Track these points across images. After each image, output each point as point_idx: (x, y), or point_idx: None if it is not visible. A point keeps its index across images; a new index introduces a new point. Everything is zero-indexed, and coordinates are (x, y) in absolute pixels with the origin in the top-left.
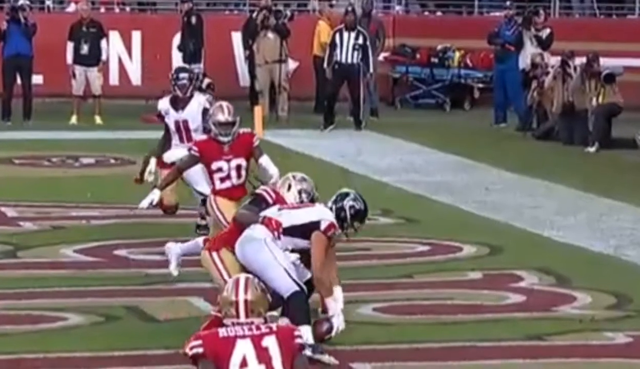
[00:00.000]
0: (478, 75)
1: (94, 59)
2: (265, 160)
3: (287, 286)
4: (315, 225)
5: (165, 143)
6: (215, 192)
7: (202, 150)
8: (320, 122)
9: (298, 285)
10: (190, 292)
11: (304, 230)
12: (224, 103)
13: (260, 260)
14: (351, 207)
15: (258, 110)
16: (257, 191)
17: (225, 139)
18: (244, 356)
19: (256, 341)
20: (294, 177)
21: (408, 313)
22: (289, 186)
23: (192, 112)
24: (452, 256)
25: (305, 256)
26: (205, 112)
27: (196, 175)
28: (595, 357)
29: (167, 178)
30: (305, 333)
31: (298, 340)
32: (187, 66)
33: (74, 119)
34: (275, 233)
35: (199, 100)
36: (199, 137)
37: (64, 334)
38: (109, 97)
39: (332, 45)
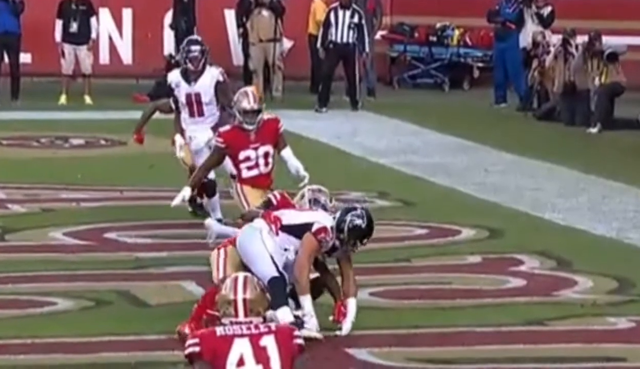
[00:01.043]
0: (478, 54)
1: (83, 37)
2: (287, 153)
3: (268, 272)
4: (309, 227)
5: (178, 114)
6: (242, 180)
7: (228, 141)
8: (315, 103)
9: (279, 272)
10: (182, 276)
11: (300, 230)
12: (249, 90)
13: (250, 247)
14: (351, 221)
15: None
16: (268, 195)
17: (250, 127)
18: (241, 355)
19: (254, 340)
20: (310, 189)
21: (405, 298)
22: (302, 195)
23: (205, 85)
24: (450, 240)
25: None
26: (218, 84)
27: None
28: (597, 342)
29: (196, 177)
30: (283, 314)
31: (298, 341)
32: (198, 38)
33: (63, 99)
34: (272, 227)
35: (211, 73)
36: (222, 128)
37: (53, 319)
38: (99, 77)
39: (327, 24)
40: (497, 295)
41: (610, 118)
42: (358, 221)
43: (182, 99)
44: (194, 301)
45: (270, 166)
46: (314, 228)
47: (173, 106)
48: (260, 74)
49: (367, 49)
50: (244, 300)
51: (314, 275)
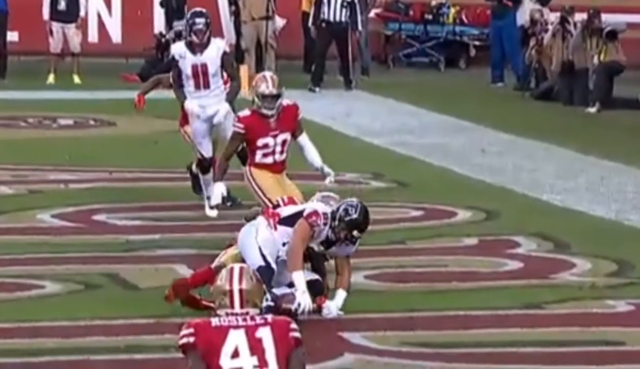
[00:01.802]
0: (474, 32)
1: (72, 15)
2: (304, 139)
3: (254, 261)
4: (303, 214)
5: (180, 87)
6: (254, 164)
7: (247, 127)
8: (309, 82)
9: (266, 262)
10: (173, 259)
11: (294, 220)
12: (268, 74)
13: (243, 240)
14: (345, 210)
15: (244, 70)
16: (277, 198)
17: (269, 112)
18: (236, 347)
19: (250, 331)
20: (320, 194)
21: (400, 281)
22: (312, 201)
23: (211, 56)
24: (446, 222)
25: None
26: (224, 55)
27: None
28: (595, 326)
29: (220, 169)
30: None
31: (294, 334)
32: (202, 10)
33: (51, 78)
34: (271, 221)
35: (217, 45)
36: (241, 112)
37: (41, 303)
38: (88, 55)
39: (319, 2)
40: (494, 277)
41: (609, 97)
42: (351, 211)
43: (188, 70)
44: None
45: (285, 154)
46: (305, 213)
47: (175, 77)
48: (252, 53)
49: (360, 28)
50: (240, 291)
51: (312, 276)
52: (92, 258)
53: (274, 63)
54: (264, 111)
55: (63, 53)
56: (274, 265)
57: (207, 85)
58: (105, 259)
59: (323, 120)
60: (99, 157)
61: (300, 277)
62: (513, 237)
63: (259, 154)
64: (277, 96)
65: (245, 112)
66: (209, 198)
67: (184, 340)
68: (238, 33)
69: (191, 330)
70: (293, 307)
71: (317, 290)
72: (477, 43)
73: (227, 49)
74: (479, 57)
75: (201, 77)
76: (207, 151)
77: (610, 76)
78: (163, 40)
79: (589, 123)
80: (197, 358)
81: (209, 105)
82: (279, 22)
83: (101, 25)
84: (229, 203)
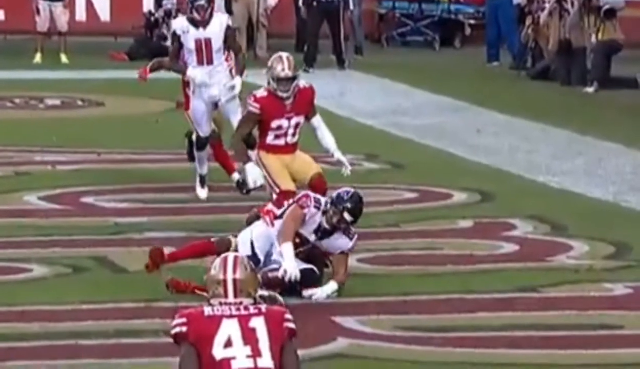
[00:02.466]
0: (469, 11)
1: None
2: (317, 121)
3: (243, 251)
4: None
5: (177, 60)
6: (265, 147)
7: (263, 107)
8: (302, 62)
9: (253, 253)
10: (162, 242)
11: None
12: (284, 55)
13: (241, 235)
14: (338, 194)
15: None
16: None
17: (284, 95)
18: (229, 337)
19: (243, 321)
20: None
21: (394, 264)
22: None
23: (215, 30)
24: (441, 204)
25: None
26: (228, 30)
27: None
28: (592, 309)
29: (240, 152)
30: None
31: (288, 324)
32: None
33: (38, 57)
34: (267, 219)
35: (220, 20)
36: (257, 91)
37: (29, 286)
38: (75, 34)
39: None
40: (490, 260)
41: (607, 77)
42: (343, 194)
43: (191, 45)
44: (175, 268)
45: (297, 136)
46: (296, 197)
47: (175, 52)
48: (243, 32)
49: (351, 6)
50: (234, 280)
51: (306, 265)
52: (80, 240)
53: (265, 42)
54: (279, 93)
55: (50, 32)
56: (261, 257)
57: (210, 61)
58: (93, 242)
59: (316, 100)
60: (86, 137)
61: (289, 247)
62: (509, 219)
63: (270, 135)
64: (293, 78)
65: (262, 92)
66: (200, 178)
67: (176, 329)
68: (229, 11)
69: (183, 320)
70: (279, 274)
71: (309, 278)
72: (472, 21)
73: (231, 23)
74: (475, 35)
75: (205, 52)
76: (204, 131)
77: (608, 55)
78: (152, 18)
79: (586, 103)
80: (190, 347)
81: (211, 84)
82: (271, 0)
83: (89, 3)
84: (244, 191)
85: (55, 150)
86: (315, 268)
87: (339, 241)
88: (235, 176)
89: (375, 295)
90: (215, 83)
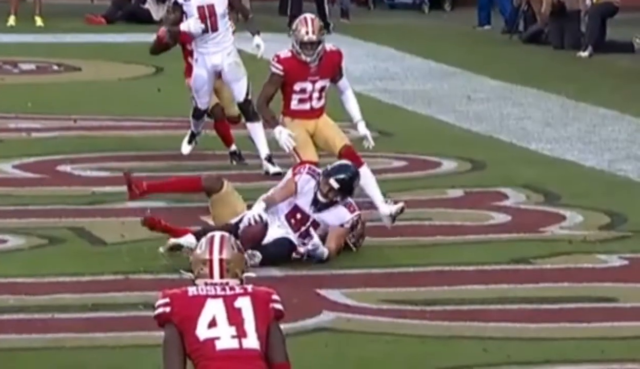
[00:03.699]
0: None
1: None
2: (344, 84)
3: (257, 209)
4: None
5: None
6: (289, 112)
7: (287, 69)
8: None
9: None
10: (142, 212)
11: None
12: (309, 17)
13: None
14: (333, 165)
15: None
16: None
17: (309, 59)
18: (214, 317)
19: (228, 301)
20: None
21: (381, 235)
22: None
23: None
24: (430, 173)
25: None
26: None
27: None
28: (587, 281)
29: (268, 116)
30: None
31: (275, 305)
32: None
33: (11, 20)
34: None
35: None
36: (281, 52)
37: (3, 257)
38: None
39: None
40: (480, 231)
41: (602, 40)
42: (336, 166)
43: (194, 12)
44: (155, 238)
45: (323, 100)
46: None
47: (175, 21)
48: None
49: None
50: (220, 261)
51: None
52: (57, 210)
53: (248, 4)
54: (304, 58)
55: None
56: (264, 216)
57: (215, 28)
58: (70, 212)
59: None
60: (63, 104)
61: (260, 204)
62: (500, 189)
63: (295, 100)
64: (318, 43)
65: (286, 53)
66: (192, 134)
67: (160, 310)
68: None
69: (167, 300)
70: (245, 221)
71: (281, 248)
72: None
73: None
74: None
75: (209, 18)
76: (203, 103)
77: (603, 18)
78: None
79: (580, 68)
80: (173, 330)
81: (215, 52)
82: None
83: None
84: (234, 162)
85: (30, 117)
86: (289, 239)
87: (338, 214)
88: (233, 147)
89: (362, 267)
90: (220, 51)
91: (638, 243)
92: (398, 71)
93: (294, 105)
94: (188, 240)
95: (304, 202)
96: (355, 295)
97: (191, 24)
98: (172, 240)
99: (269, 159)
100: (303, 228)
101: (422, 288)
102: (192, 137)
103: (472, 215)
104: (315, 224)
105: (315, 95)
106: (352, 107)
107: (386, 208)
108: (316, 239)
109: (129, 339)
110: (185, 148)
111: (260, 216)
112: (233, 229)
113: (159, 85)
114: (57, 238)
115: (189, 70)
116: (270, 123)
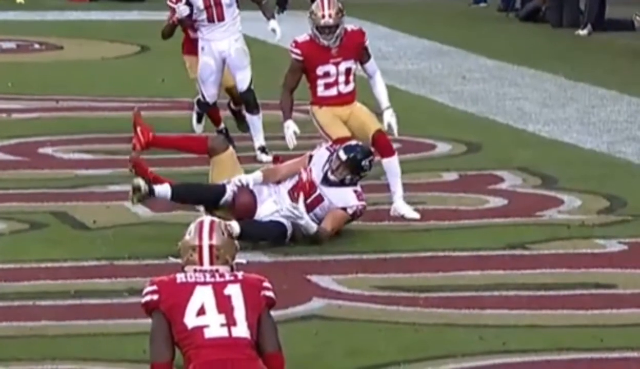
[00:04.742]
0: None
1: None
2: (372, 67)
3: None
4: None
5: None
6: (317, 100)
7: (305, 54)
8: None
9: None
10: (126, 196)
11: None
12: (326, 0)
13: None
14: (348, 144)
15: None
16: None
17: (327, 43)
18: (203, 304)
19: (218, 288)
20: None
21: (374, 220)
22: None
23: None
24: (424, 155)
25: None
26: None
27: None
28: (585, 267)
29: (286, 106)
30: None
31: (267, 292)
32: None
33: None
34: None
35: None
36: (299, 37)
37: None
38: None
39: None
40: (476, 215)
41: (602, 19)
42: (350, 144)
43: (199, 3)
44: (139, 223)
45: (351, 84)
46: None
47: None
48: None
49: None
50: (210, 247)
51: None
52: (38, 194)
53: None
54: (322, 41)
55: None
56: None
57: (221, 17)
58: (52, 196)
59: (289, 45)
60: (44, 84)
61: (258, 173)
62: (496, 172)
63: (320, 86)
64: (336, 26)
65: (304, 37)
66: (198, 115)
67: (147, 298)
68: None
69: (154, 287)
70: (236, 181)
71: (275, 233)
72: None
73: None
74: None
75: (215, 8)
76: (210, 95)
77: None
78: None
79: (579, 47)
80: (161, 318)
81: (221, 38)
82: None
83: None
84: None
85: (10, 97)
86: (285, 225)
87: (345, 197)
88: (221, 126)
89: (353, 253)
90: (227, 37)
91: (638, 228)
92: (391, 50)
93: (321, 91)
94: (152, 187)
95: (315, 173)
96: (347, 281)
97: (180, 7)
98: (139, 180)
99: (263, 149)
100: (308, 201)
101: (415, 275)
102: (200, 116)
103: (467, 199)
104: (320, 199)
105: (342, 78)
106: (380, 92)
107: (402, 208)
108: (304, 213)
109: (113, 327)
110: (198, 128)
111: (248, 183)
112: (221, 189)
113: (144, 63)
114: (39, 223)
115: (187, 44)
116: (284, 115)
